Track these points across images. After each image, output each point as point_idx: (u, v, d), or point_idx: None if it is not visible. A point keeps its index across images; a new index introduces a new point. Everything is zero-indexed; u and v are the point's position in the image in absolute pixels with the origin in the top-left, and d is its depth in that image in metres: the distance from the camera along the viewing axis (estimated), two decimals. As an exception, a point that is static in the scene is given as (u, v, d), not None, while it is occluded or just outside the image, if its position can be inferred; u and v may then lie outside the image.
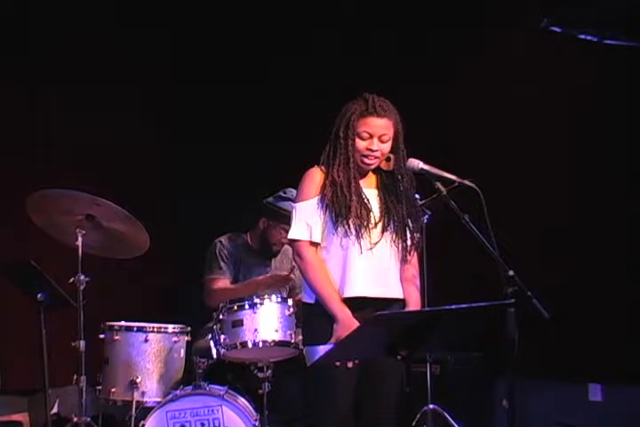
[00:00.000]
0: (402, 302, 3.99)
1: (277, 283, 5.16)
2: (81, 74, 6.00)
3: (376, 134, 3.94)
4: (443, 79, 5.97)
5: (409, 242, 4.01)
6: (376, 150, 3.94)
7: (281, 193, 5.33)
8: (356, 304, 3.84)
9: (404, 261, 4.03)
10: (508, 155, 5.73)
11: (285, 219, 5.22)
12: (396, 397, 3.94)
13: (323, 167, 4.00)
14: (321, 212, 3.93)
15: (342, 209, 3.88)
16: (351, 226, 3.89)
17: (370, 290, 3.91)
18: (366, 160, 3.96)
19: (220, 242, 5.36)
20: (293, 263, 5.19)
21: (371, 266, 3.91)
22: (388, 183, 4.01)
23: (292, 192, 5.28)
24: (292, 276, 5.09)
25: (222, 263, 5.29)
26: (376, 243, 3.92)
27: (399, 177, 4.00)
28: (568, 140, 5.66)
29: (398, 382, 3.91)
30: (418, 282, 4.07)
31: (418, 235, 4.05)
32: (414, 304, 3.99)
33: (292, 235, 3.95)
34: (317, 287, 3.88)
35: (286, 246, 5.45)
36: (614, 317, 5.44)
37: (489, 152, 5.77)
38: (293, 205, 4.02)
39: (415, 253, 4.06)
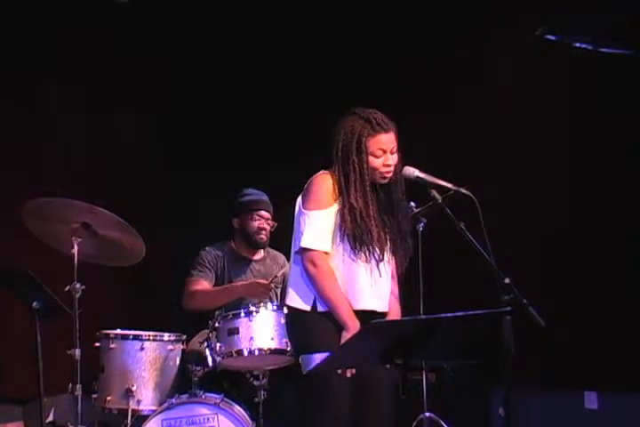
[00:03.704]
0: (385, 314, 4.02)
1: (256, 290, 5.08)
2: (81, 74, 6.01)
3: (388, 149, 3.93)
4: (442, 82, 5.98)
5: (402, 256, 4.01)
6: (392, 164, 3.94)
7: (241, 194, 5.42)
8: (363, 317, 3.85)
9: (394, 274, 4.04)
10: (509, 156, 5.73)
11: (251, 205, 5.33)
12: (391, 405, 3.94)
13: (332, 173, 3.97)
14: (333, 222, 3.92)
15: (364, 236, 3.87)
16: (376, 252, 3.89)
17: (375, 304, 3.95)
18: (386, 175, 3.94)
19: (205, 250, 5.41)
20: (276, 271, 5.24)
21: (374, 279, 3.94)
22: (383, 196, 4.00)
23: (248, 190, 5.40)
24: (271, 285, 5.07)
25: (204, 268, 5.31)
26: (382, 259, 3.94)
27: (393, 188, 4.00)
28: (568, 142, 5.67)
29: (391, 391, 3.92)
30: (398, 295, 4.11)
31: (411, 245, 4.05)
32: (394, 316, 4.02)
33: (306, 243, 3.92)
34: (330, 296, 3.88)
35: (275, 253, 5.45)
36: (611, 324, 5.44)
37: (490, 154, 5.78)
38: (305, 211, 3.96)
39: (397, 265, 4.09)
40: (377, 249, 3.91)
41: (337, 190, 3.93)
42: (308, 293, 3.93)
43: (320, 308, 3.91)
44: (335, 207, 3.93)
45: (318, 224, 3.91)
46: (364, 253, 3.90)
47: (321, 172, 4.01)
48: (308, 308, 3.93)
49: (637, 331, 5.34)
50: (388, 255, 3.99)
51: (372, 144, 3.90)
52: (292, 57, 6.39)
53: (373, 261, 3.93)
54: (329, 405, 3.85)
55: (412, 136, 4.05)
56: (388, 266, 4.00)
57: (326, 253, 3.91)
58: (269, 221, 5.37)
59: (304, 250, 3.93)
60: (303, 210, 3.96)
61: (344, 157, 3.91)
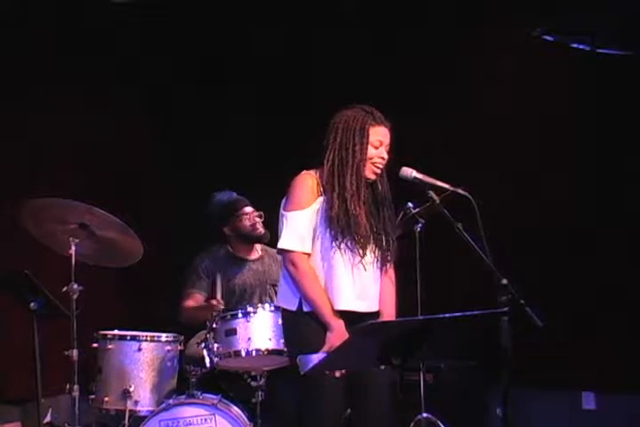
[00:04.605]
0: (377, 315, 3.99)
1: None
2: (81, 74, 6.00)
3: (384, 143, 3.95)
4: (441, 80, 5.99)
5: (388, 254, 3.99)
6: (385, 159, 3.94)
7: (209, 202, 5.41)
8: (346, 318, 3.84)
9: (382, 273, 4.02)
10: (508, 156, 5.74)
11: (231, 207, 5.34)
12: (385, 405, 3.93)
13: (314, 173, 3.97)
14: (314, 222, 3.90)
15: (351, 221, 3.85)
16: (358, 241, 3.86)
17: (357, 304, 3.91)
18: (376, 170, 3.94)
19: (200, 256, 5.40)
20: (275, 268, 5.31)
21: (356, 279, 3.91)
22: (368, 193, 3.97)
23: (215, 198, 5.41)
24: (220, 307, 5.00)
25: (199, 278, 5.33)
26: (363, 256, 3.91)
27: (380, 187, 3.99)
28: (567, 142, 5.67)
29: (387, 391, 3.91)
30: (394, 296, 4.07)
31: (395, 245, 4.03)
32: (387, 317, 3.98)
33: (284, 245, 3.91)
34: (312, 297, 3.86)
35: (272, 250, 5.43)
36: (609, 325, 5.44)
37: (488, 154, 5.79)
38: (284, 213, 3.95)
39: (392, 265, 4.05)
40: (359, 242, 3.87)
41: (322, 185, 3.90)
42: (293, 293, 3.92)
43: (305, 308, 3.89)
44: (315, 206, 3.90)
45: (296, 225, 3.89)
46: (345, 245, 3.85)
47: (303, 172, 3.99)
48: (294, 308, 3.92)
49: (635, 332, 5.34)
50: (371, 255, 3.94)
51: (373, 133, 3.92)
52: (293, 57, 6.38)
53: (355, 260, 3.88)
54: (324, 405, 3.84)
55: (411, 136, 4.05)
56: (372, 267, 3.95)
57: (306, 253, 3.89)
58: (255, 213, 5.36)
59: (283, 251, 3.93)
60: (283, 211, 3.96)
61: (343, 142, 3.90)
